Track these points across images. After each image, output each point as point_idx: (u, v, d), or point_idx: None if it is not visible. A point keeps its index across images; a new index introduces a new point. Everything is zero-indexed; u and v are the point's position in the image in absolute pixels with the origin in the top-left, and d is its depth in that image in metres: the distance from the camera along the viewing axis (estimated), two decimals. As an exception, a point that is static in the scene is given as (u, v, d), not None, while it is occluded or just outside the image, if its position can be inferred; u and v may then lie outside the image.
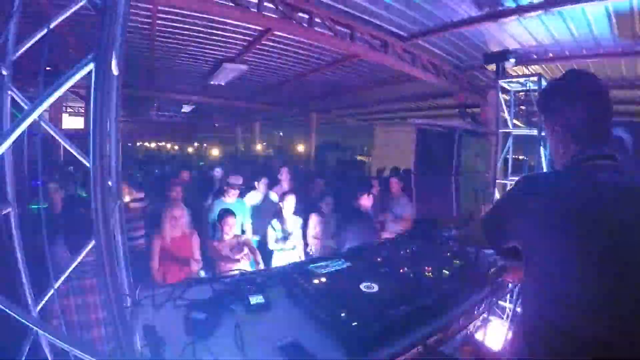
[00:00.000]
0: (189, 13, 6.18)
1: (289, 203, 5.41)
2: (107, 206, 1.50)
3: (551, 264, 1.39)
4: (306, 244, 5.75)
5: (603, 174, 1.41)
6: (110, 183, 1.68)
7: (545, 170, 5.73)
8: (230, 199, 5.93)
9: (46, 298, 1.60)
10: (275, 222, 5.41)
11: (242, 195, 6.41)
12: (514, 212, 1.55)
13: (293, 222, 5.50)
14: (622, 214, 1.31)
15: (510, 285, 2.84)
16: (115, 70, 1.91)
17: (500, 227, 1.67)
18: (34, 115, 1.52)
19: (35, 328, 1.44)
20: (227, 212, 4.82)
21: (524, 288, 1.62)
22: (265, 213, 6.05)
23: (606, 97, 1.50)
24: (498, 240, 1.76)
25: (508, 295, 2.83)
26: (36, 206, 4.84)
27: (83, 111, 16.61)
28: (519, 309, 1.58)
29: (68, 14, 1.74)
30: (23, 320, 1.40)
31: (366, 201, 5.20)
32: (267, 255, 5.36)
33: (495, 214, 1.75)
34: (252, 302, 2.26)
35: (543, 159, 6.06)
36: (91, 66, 1.47)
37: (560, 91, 1.58)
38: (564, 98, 1.54)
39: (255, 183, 6.87)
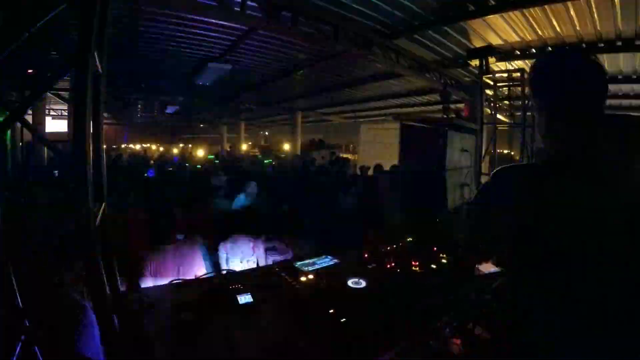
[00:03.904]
0: (172, 13, 6.12)
1: None
2: (90, 209, 1.48)
3: (537, 254, 1.41)
4: None
5: (584, 167, 1.36)
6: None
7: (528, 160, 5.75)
8: None
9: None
10: None
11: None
12: (498, 204, 1.54)
13: None
14: (599, 205, 1.33)
15: (498, 277, 2.87)
16: (98, 70, 1.88)
17: (484, 219, 1.68)
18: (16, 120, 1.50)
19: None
20: None
21: (511, 278, 1.63)
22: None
23: (598, 76, 1.36)
24: (483, 232, 1.77)
25: (496, 287, 2.85)
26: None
27: (67, 114, 16.44)
28: (505, 298, 1.59)
29: (49, 16, 1.71)
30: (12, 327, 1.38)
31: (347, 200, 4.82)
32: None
33: (479, 207, 1.72)
34: (240, 302, 2.26)
35: (526, 152, 6.14)
36: (72, 67, 1.45)
37: (548, 68, 1.45)
38: (551, 76, 1.43)
39: None
